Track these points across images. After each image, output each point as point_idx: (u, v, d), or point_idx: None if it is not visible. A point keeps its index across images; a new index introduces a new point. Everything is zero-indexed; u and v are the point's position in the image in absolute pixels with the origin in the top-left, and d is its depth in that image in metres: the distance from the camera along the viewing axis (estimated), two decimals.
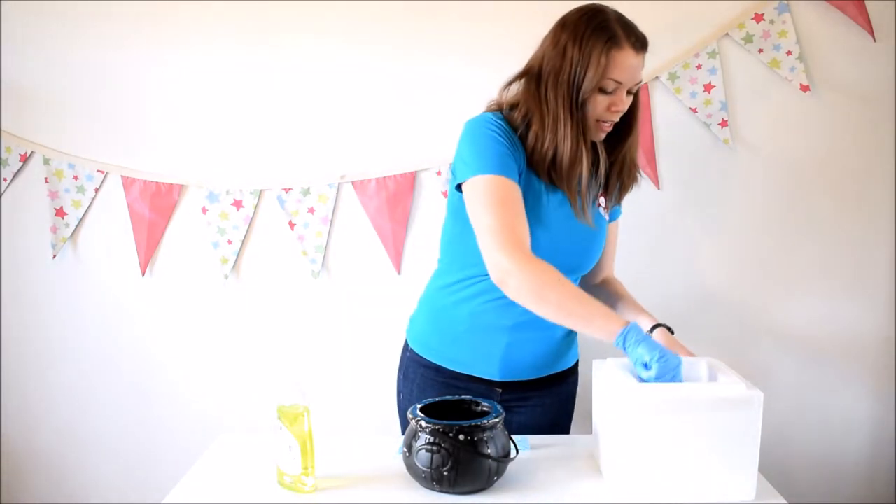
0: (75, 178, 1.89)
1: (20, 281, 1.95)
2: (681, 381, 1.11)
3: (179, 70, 1.85)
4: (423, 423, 1.12)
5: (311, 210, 1.88)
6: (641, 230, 1.85)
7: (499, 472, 1.15)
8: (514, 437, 1.19)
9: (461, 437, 1.11)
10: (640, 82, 1.30)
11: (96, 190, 1.90)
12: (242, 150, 1.88)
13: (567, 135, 1.27)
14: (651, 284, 1.70)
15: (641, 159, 1.82)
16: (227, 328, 1.96)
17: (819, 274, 1.87)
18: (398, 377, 1.52)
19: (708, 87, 1.79)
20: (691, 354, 1.26)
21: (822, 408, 1.92)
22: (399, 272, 1.89)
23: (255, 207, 1.89)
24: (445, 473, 1.11)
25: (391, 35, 1.81)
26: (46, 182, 1.89)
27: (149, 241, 1.91)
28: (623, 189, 1.42)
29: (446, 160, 1.82)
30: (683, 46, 1.79)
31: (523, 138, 1.31)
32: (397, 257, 1.88)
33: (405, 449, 1.16)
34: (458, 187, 1.31)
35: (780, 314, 1.89)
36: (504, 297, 1.26)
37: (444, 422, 1.12)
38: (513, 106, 1.34)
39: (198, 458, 1.30)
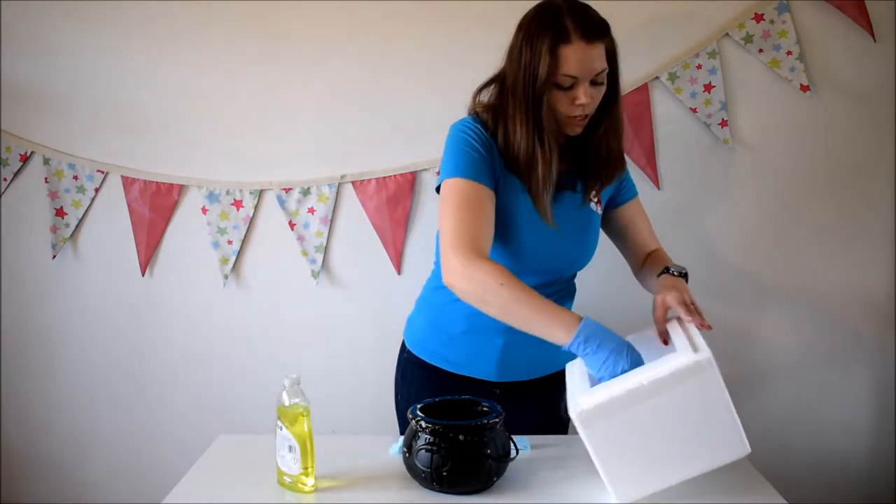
0: (75, 178, 1.89)
1: (20, 281, 1.95)
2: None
3: (180, 70, 1.85)
4: (423, 423, 1.12)
5: (311, 210, 1.88)
6: None
7: (499, 472, 1.15)
8: (514, 437, 1.19)
9: (461, 437, 1.11)
10: (603, 71, 1.25)
11: (96, 190, 1.90)
12: (242, 150, 1.88)
13: (522, 136, 1.26)
14: None
15: (641, 159, 1.82)
16: (227, 328, 1.95)
17: (819, 274, 1.87)
18: (396, 378, 1.52)
19: (708, 87, 1.79)
20: (690, 308, 1.21)
21: (822, 408, 1.92)
22: (399, 272, 1.89)
23: (255, 207, 1.89)
24: (445, 473, 1.11)
25: (391, 35, 1.81)
26: (46, 182, 1.89)
27: (149, 241, 1.91)
28: (603, 181, 1.37)
29: None
30: (683, 46, 1.79)
31: (496, 141, 1.31)
32: (397, 257, 1.88)
33: (405, 449, 1.16)
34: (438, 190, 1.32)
35: (779, 314, 1.89)
36: None
37: (444, 422, 1.12)
38: (487, 109, 1.34)
39: (198, 458, 1.30)
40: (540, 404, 1.45)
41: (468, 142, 1.29)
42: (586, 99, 1.24)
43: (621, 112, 1.35)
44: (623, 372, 1.08)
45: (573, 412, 1.06)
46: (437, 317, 1.43)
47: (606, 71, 1.26)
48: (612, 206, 1.46)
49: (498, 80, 1.33)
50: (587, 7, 1.26)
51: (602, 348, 1.10)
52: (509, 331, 1.36)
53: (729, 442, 1.07)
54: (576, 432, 1.46)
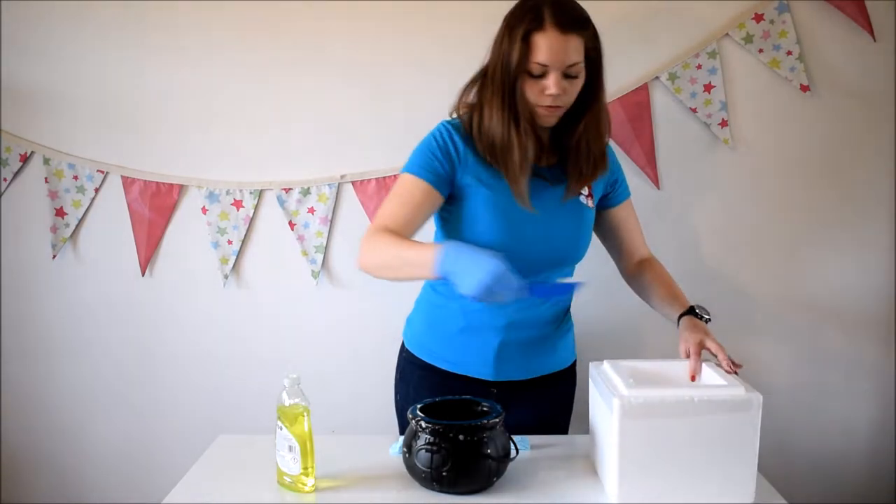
0: (75, 178, 1.89)
1: (20, 281, 1.95)
2: (504, 296, 1.10)
3: (180, 70, 1.85)
4: (423, 423, 1.12)
5: (311, 210, 1.88)
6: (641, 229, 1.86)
7: (499, 472, 1.15)
8: (514, 437, 1.19)
9: (461, 437, 1.11)
10: (577, 64, 1.26)
11: (96, 190, 1.90)
12: (242, 150, 1.88)
13: (498, 120, 1.29)
14: None
15: (641, 159, 1.82)
16: (227, 328, 1.95)
17: (819, 273, 1.87)
18: (395, 377, 1.53)
19: (708, 87, 1.79)
20: (708, 345, 1.24)
21: (823, 408, 1.92)
22: None
23: (255, 207, 1.89)
24: (445, 473, 1.11)
25: (392, 35, 1.81)
26: (46, 182, 1.89)
27: (149, 241, 1.91)
28: (583, 180, 1.37)
29: None
30: (683, 46, 1.79)
31: (471, 133, 1.34)
32: None
33: (405, 449, 1.16)
34: None
35: (779, 314, 1.89)
36: None
37: (444, 422, 1.13)
38: (469, 107, 1.37)
39: (198, 458, 1.30)
40: (537, 405, 1.45)
41: (430, 144, 1.34)
42: (556, 90, 1.25)
43: (603, 112, 1.35)
44: (484, 286, 1.08)
45: (619, 399, 1.07)
46: (434, 316, 1.43)
47: (581, 64, 1.27)
48: (603, 206, 1.47)
49: (483, 73, 1.35)
50: (570, 0, 1.27)
51: (463, 270, 1.11)
52: (505, 329, 1.38)
53: (740, 484, 1.10)
54: (575, 432, 1.47)
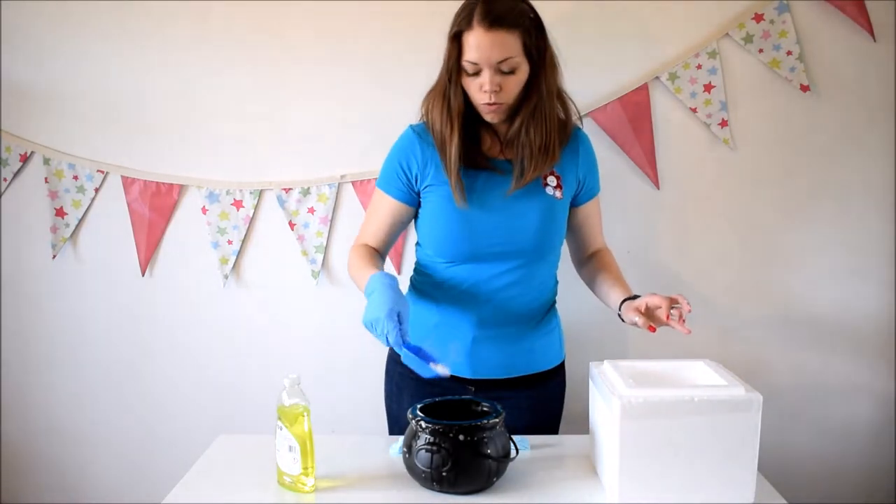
0: (75, 178, 1.89)
1: (20, 281, 1.95)
2: (384, 334, 1.21)
3: (180, 70, 1.85)
4: (423, 423, 1.13)
5: (311, 210, 1.88)
6: (641, 230, 1.86)
7: (498, 473, 1.15)
8: (513, 437, 1.19)
9: (461, 437, 1.11)
10: (507, 59, 1.26)
11: (96, 190, 1.90)
12: (242, 150, 1.88)
13: (437, 117, 1.35)
14: (650, 284, 1.70)
15: (641, 159, 1.82)
16: (227, 328, 1.95)
17: (818, 274, 1.87)
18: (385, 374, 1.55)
19: (708, 87, 1.79)
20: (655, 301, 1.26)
21: (822, 408, 1.92)
22: (399, 272, 1.89)
23: (255, 207, 1.89)
24: (445, 473, 1.11)
25: (392, 35, 1.81)
26: (46, 182, 1.89)
27: (149, 241, 1.91)
28: (525, 171, 1.35)
29: None
30: (683, 46, 1.79)
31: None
32: (397, 257, 1.88)
33: (405, 449, 1.16)
34: None
35: (779, 314, 1.89)
36: (465, 290, 1.37)
37: (444, 422, 1.13)
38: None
39: (198, 458, 1.30)
40: (520, 405, 1.44)
41: (393, 154, 1.43)
42: (490, 87, 1.28)
43: (546, 105, 1.35)
44: (365, 323, 1.22)
45: (620, 398, 1.07)
46: (413, 311, 1.43)
47: (514, 59, 1.27)
48: (571, 203, 1.47)
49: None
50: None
51: (367, 303, 1.25)
52: (478, 325, 1.40)
53: (740, 484, 1.10)
54: (572, 433, 1.47)
